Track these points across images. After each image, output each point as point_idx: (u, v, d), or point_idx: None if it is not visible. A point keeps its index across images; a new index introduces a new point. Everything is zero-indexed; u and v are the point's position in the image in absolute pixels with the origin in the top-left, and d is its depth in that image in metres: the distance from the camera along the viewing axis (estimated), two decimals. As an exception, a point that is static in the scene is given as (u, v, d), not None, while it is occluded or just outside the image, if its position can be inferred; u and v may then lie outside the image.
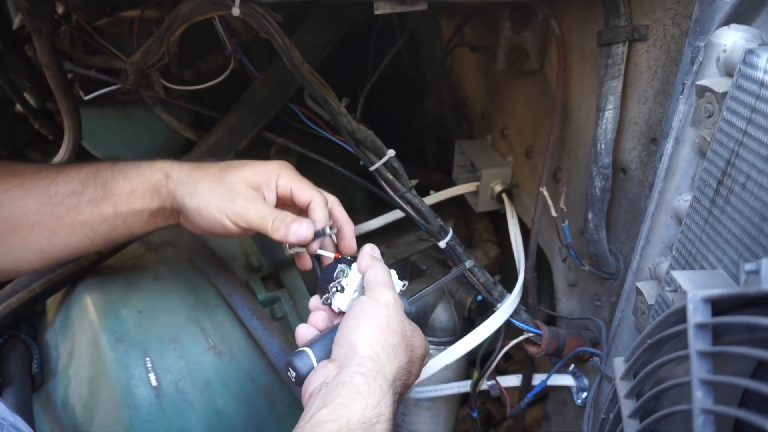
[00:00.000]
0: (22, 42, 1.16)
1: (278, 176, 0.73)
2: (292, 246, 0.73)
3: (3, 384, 0.85)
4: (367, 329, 0.61)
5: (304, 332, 0.68)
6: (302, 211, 0.75)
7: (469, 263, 0.86)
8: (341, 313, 0.69)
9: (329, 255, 0.74)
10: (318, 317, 0.69)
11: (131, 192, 0.71)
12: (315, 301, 0.72)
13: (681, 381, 0.47)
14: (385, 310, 0.63)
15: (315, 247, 0.73)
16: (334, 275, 0.71)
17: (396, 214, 1.04)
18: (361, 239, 1.07)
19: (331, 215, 0.76)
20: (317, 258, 0.76)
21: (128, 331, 0.85)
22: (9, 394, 0.84)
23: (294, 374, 0.63)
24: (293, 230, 0.68)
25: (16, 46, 1.14)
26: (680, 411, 0.47)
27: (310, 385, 0.60)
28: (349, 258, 0.73)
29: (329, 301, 0.70)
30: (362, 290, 0.69)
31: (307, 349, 0.64)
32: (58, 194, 0.70)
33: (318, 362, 0.63)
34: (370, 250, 0.71)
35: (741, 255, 0.52)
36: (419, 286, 1.05)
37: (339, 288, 0.69)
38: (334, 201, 0.78)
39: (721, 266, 0.55)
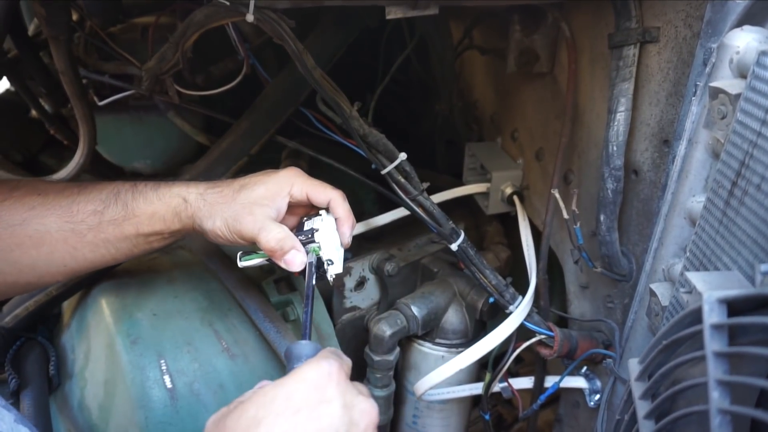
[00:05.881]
0: (38, 48, 1.18)
1: (292, 185, 0.76)
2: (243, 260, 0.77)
3: (21, 386, 0.86)
4: None
5: None
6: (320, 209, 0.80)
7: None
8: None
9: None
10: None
11: (152, 214, 0.74)
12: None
13: (697, 381, 0.47)
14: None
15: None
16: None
17: (403, 211, 1.04)
18: (371, 236, 1.07)
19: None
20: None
21: (143, 334, 0.86)
22: (27, 396, 0.85)
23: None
24: (288, 258, 0.72)
25: (31, 52, 1.15)
26: (696, 412, 0.47)
27: None
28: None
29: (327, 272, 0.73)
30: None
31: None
32: (80, 213, 0.73)
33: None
34: None
35: (756, 256, 0.52)
36: (430, 288, 1.06)
37: (330, 262, 0.73)
38: (342, 196, 0.81)
39: (736, 267, 0.55)
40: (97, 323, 0.89)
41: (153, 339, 0.85)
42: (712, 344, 0.44)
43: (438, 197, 1.06)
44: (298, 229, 0.77)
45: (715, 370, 0.44)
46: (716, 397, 0.43)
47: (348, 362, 0.59)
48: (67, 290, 0.91)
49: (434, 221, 0.86)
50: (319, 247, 0.73)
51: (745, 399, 0.47)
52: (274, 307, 0.95)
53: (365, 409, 0.53)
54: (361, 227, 1.04)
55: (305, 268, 0.73)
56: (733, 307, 0.46)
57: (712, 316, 0.45)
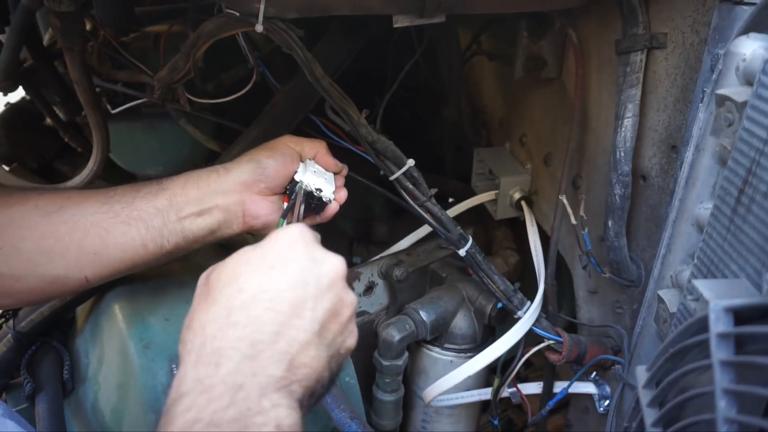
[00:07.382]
0: (53, 58, 1.20)
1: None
2: None
3: (36, 390, 0.88)
4: None
5: None
6: None
7: None
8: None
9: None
10: None
11: (185, 182, 0.77)
12: None
13: (704, 390, 0.47)
14: None
15: None
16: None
17: (417, 236, 1.06)
18: (379, 241, 1.08)
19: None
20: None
21: (155, 339, 0.87)
22: (41, 400, 0.87)
23: None
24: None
25: (46, 61, 1.17)
26: (704, 420, 0.47)
27: None
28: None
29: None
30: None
31: None
32: (116, 194, 0.75)
33: None
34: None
35: (763, 264, 0.52)
36: (438, 293, 1.06)
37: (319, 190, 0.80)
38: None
39: (743, 275, 0.55)
40: (110, 328, 0.90)
41: (165, 344, 0.86)
42: (719, 353, 0.44)
43: (452, 212, 1.07)
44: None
45: (721, 379, 0.44)
46: (723, 407, 0.43)
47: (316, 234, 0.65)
48: (81, 295, 0.92)
49: (442, 227, 0.87)
50: (303, 183, 0.79)
51: (752, 408, 0.47)
52: (283, 313, 0.96)
53: (333, 262, 0.60)
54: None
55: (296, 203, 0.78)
56: (740, 315, 0.46)
57: (718, 325, 0.45)
